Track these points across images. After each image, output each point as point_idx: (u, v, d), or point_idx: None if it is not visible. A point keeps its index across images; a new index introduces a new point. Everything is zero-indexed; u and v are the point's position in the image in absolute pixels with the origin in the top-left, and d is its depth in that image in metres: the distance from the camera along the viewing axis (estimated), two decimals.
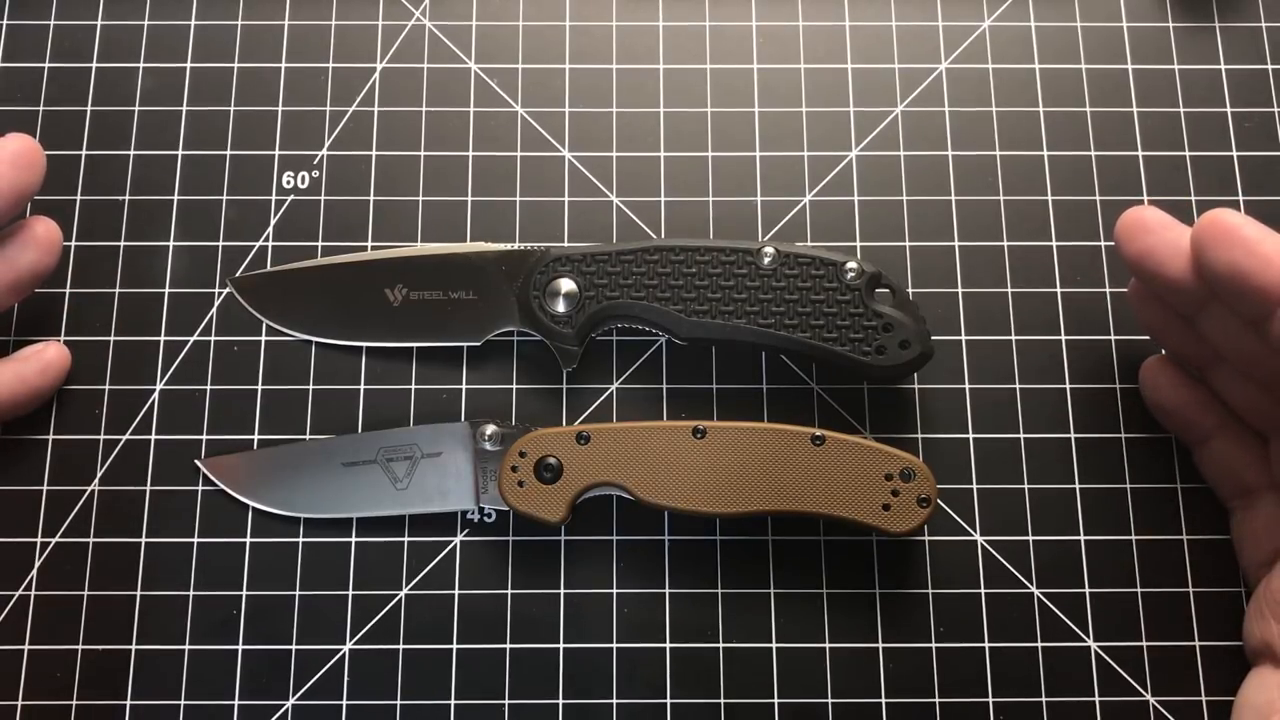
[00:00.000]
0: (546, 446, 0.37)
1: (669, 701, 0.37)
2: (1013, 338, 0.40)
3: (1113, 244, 0.41)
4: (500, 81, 0.43)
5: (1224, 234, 0.31)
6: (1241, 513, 0.37)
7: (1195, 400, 0.37)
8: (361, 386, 0.40)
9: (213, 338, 0.40)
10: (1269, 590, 0.35)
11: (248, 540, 0.38)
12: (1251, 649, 0.35)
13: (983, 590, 0.38)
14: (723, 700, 0.37)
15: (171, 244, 0.41)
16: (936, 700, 0.37)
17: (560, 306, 0.38)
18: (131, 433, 0.39)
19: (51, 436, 0.39)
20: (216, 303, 0.41)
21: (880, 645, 0.37)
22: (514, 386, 0.40)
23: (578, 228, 0.42)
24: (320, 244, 0.41)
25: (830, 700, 0.37)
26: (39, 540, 0.38)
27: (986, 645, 0.37)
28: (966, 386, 0.40)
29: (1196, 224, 0.32)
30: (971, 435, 0.39)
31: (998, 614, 0.38)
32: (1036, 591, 0.38)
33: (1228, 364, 0.35)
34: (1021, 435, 0.39)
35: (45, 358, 0.38)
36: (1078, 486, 0.39)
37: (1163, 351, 0.39)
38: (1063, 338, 0.40)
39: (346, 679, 0.37)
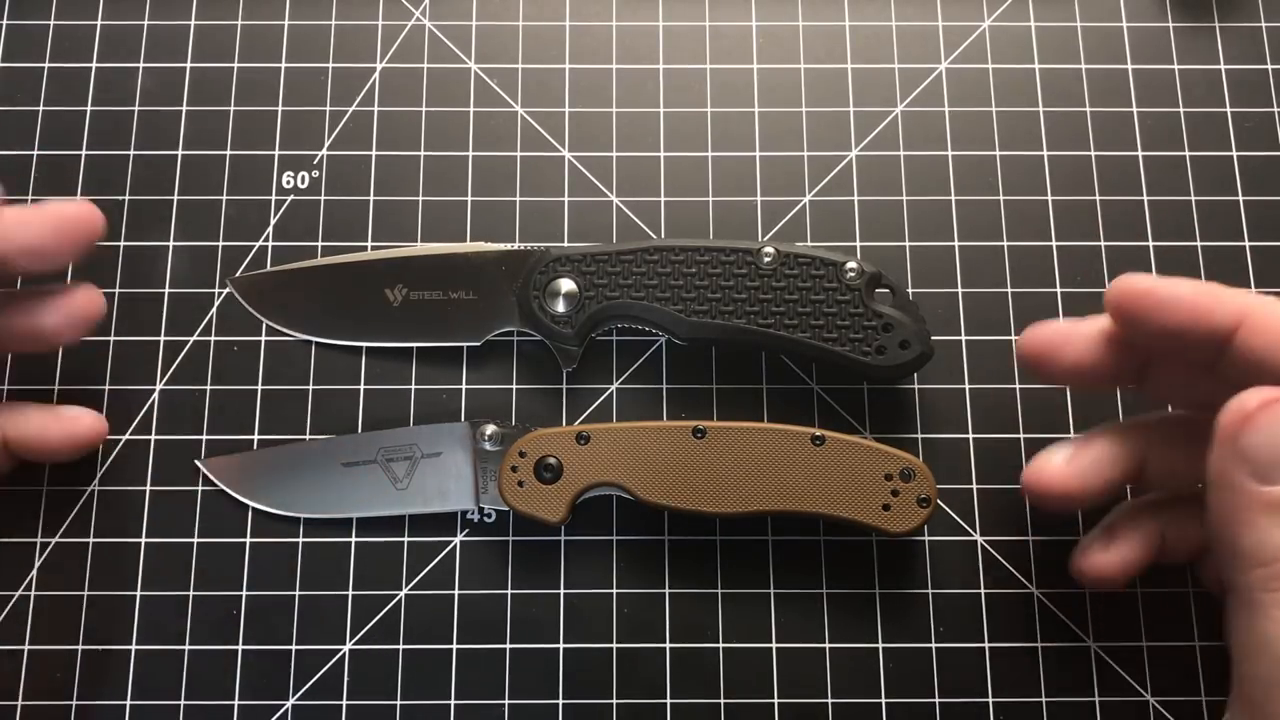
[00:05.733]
0: (546, 446, 0.37)
1: (669, 701, 0.37)
2: (1013, 338, 0.40)
3: (1111, 244, 0.41)
4: (500, 81, 0.43)
5: (1141, 300, 0.31)
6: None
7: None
8: (361, 386, 0.40)
9: (213, 338, 0.40)
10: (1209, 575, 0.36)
11: (247, 540, 0.38)
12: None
13: (983, 590, 0.38)
14: (723, 700, 0.37)
15: (171, 244, 0.41)
16: (936, 700, 0.37)
17: (560, 306, 0.38)
18: (131, 433, 0.39)
19: None
20: (216, 303, 0.41)
21: (880, 645, 0.37)
22: (514, 386, 0.40)
23: (578, 228, 0.42)
24: (320, 244, 0.41)
25: (830, 700, 0.37)
26: (39, 540, 0.38)
27: (986, 645, 0.37)
28: (966, 386, 0.40)
29: (1110, 298, 0.32)
30: (971, 435, 0.39)
31: (998, 614, 0.38)
32: (1036, 591, 0.38)
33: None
34: (1021, 435, 0.39)
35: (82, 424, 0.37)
36: None
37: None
38: None
39: (346, 679, 0.37)
